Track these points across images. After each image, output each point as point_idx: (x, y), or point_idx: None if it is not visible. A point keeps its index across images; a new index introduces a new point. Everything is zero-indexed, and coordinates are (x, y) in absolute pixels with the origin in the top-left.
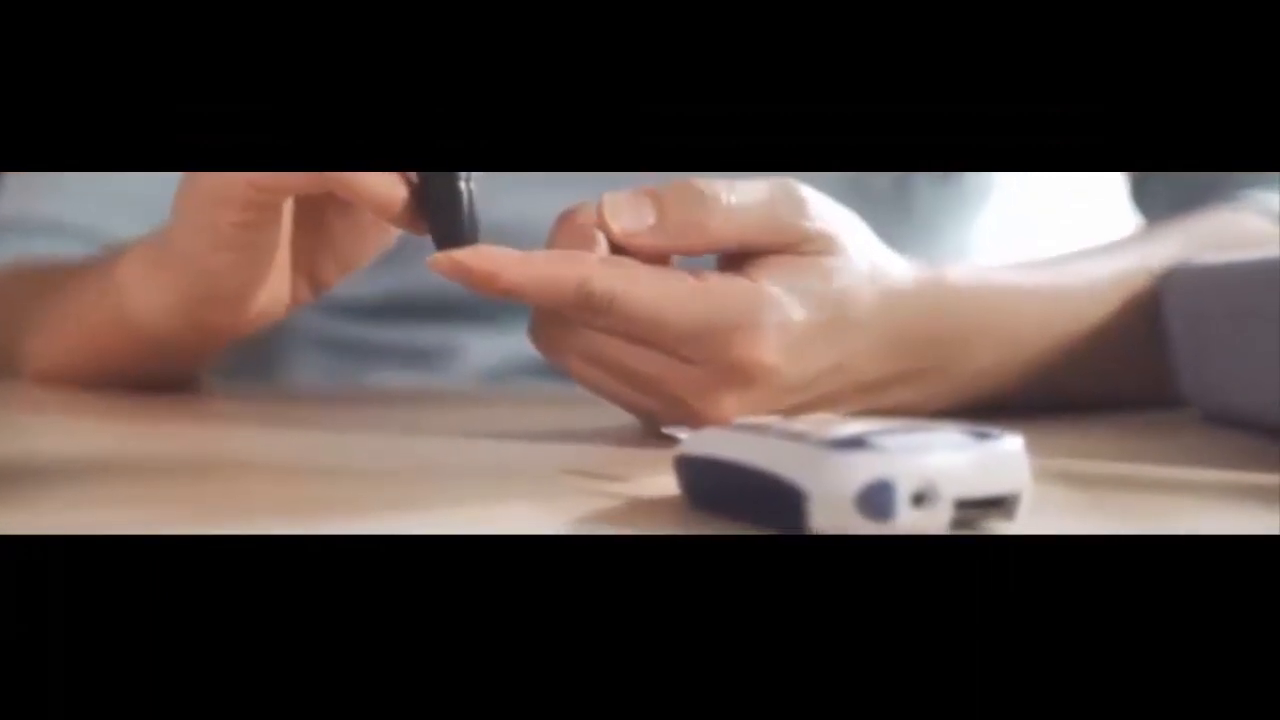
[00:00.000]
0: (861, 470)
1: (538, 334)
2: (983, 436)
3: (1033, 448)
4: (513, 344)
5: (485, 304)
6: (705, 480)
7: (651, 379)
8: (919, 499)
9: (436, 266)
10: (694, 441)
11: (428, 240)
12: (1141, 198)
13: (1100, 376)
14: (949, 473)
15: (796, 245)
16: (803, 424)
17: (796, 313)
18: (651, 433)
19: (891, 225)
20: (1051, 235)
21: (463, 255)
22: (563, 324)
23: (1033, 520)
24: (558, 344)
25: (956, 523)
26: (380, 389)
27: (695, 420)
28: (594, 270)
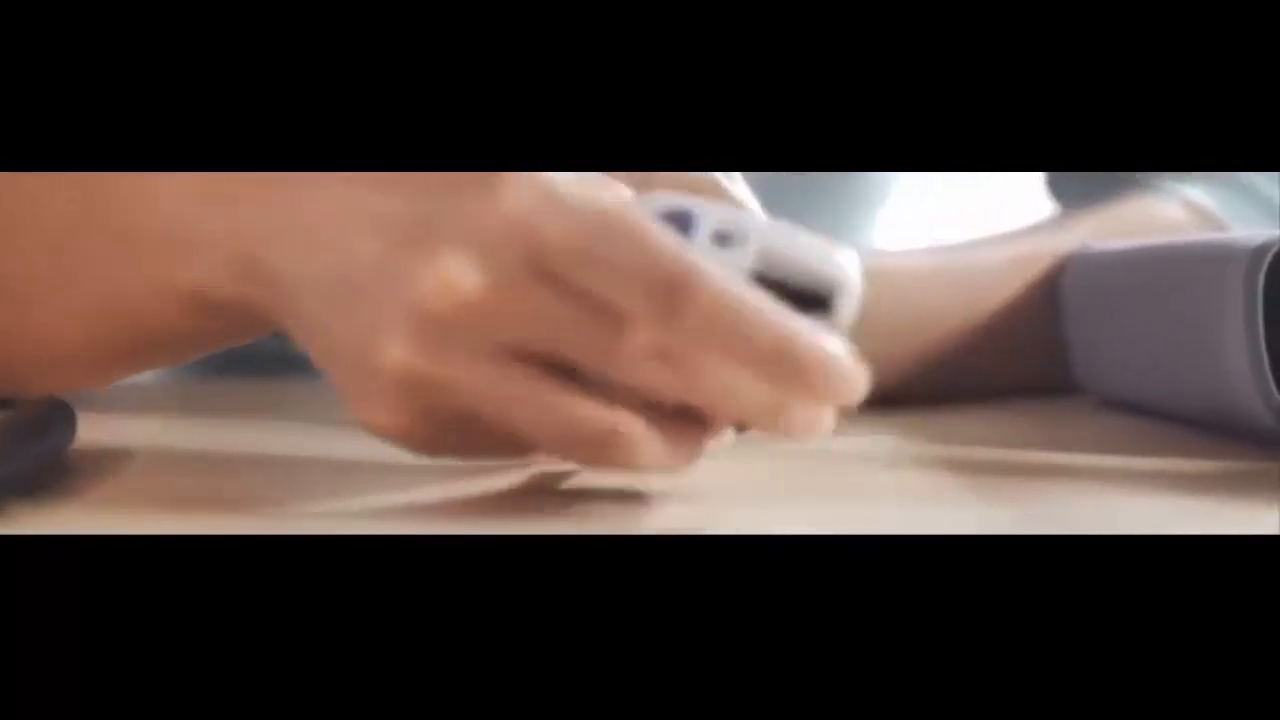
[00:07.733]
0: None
1: None
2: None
3: (922, 434)
4: None
5: None
6: None
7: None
8: (722, 237)
9: None
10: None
11: None
12: (1055, 184)
13: (997, 363)
14: (760, 225)
15: None
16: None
17: None
18: None
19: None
20: (965, 222)
21: None
22: None
23: (912, 507)
24: None
25: (758, 277)
26: (289, 387)
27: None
28: None
